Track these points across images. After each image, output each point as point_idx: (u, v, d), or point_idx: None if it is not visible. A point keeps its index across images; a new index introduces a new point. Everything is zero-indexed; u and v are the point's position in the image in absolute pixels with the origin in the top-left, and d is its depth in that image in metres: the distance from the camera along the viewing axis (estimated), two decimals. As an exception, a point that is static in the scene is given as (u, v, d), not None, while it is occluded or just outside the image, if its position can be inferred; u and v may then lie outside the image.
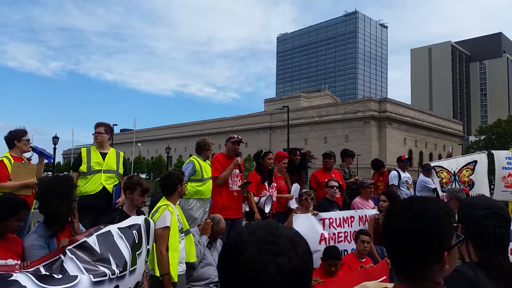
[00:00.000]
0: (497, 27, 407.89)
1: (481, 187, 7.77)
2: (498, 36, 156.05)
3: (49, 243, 2.94)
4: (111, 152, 5.32)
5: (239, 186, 5.78)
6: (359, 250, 5.00)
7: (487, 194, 7.75)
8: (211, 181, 6.02)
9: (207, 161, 6.22)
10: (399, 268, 1.27)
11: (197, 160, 6.06)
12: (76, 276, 2.30)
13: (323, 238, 5.41)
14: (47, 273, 2.28)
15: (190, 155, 6.71)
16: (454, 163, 8.36)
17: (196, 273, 4.51)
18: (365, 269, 4.43)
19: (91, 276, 2.35)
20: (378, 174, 8.46)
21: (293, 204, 6.11)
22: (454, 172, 8.20)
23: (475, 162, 8.11)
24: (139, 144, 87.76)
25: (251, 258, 0.82)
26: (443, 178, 8.34)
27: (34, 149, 5.00)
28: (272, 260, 0.81)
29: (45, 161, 5.19)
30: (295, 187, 6.36)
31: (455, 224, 1.31)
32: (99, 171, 5.09)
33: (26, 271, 2.28)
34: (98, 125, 5.33)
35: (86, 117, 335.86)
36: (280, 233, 0.86)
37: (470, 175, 8.01)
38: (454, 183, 8.17)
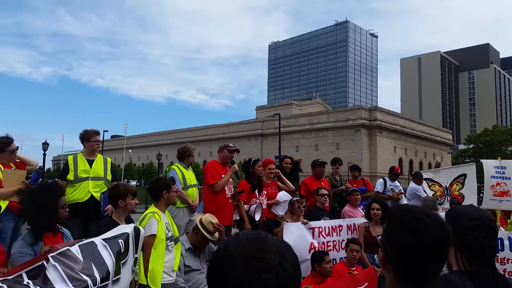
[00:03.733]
0: (484, 38, 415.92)
1: (471, 201, 7.90)
2: (486, 47, 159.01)
3: (36, 250, 2.90)
4: (98, 158, 5.27)
5: (231, 195, 5.75)
6: (348, 258, 5.01)
7: (475, 203, 7.89)
8: (195, 188, 6.04)
9: (190, 168, 6.22)
10: (406, 280, 1.27)
11: (178, 168, 6.03)
12: None
13: (312, 247, 5.40)
14: (28, 287, 2.22)
15: (171, 163, 6.73)
16: (444, 176, 8.51)
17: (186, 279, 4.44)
18: (352, 275, 4.51)
19: None
20: (353, 180, 8.51)
21: (281, 211, 6.09)
22: (446, 186, 8.35)
23: (465, 175, 8.25)
24: (129, 150, 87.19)
25: (238, 273, 0.82)
26: (436, 192, 8.48)
27: (36, 174, 4.94)
28: (259, 276, 0.81)
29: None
30: (282, 194, 6.33)
31: None
32: (86, 178, 5.05)
33: (5, 278, 2.23)
34: (97, 133, 5.34)
35: (77, 123, 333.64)
36: (268, 247, 0.86)
37: (460, 189, 8.17)
38: (446, 197, 8.33)
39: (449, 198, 8.22)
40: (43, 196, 3.06)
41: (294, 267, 0.87)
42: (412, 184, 8.58)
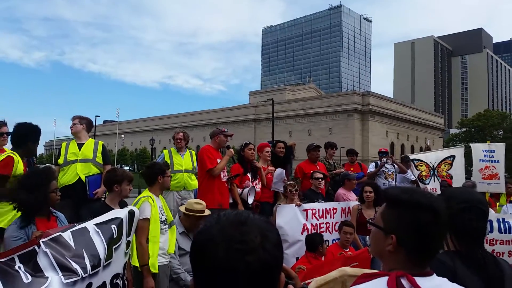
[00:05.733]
0: (478, 22, 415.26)
1: (459, 182, 7.95)
2: (479, 32, 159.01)
3: (29, 234, 2.90)
4: (89, 142, 5.32)
5: (227, 179, 5.77)
6: (342, 240, 5.08)
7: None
8: (185, 174, 6.12)
9: (186, 154, 6.31)
10: (421, 260, 1.30)
11: (169, 152, 6.24)
12: (46, 279, 2.25)
13: (305, 228, 5.48)
14: (18, 273, 2.20)
15: (164, 148, 6.83)
16: (432, 157, 8.54)
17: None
18: (344, 256, 4.56)
19: (62, 277, 2.29)
20: (350, 163, 8.56)
21: (280, 187, 6.11)
22: (433, 166, 8.37)
23: (453, 157, 8.29)
24: (122, 135, 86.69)
25: (220, 258, 0.83)
26: (422, 171, 8.51)
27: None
28: (241, 260, 0.82)
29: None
30: (279, 171, 6.33)
31: None
32: (74, 161, 5.07)
33: None
34: (73, 118, 5.44)
35: (69, 108, 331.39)
36: (249, 229, 0.86)
37: (449, 169, 8.19)
38: (433, 177, 8.35)
39: (435, 179, 8.28)
40: (33, 181, 3.04)
41: (276, 247, 0.88)
42: None
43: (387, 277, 1.24)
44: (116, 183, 3.75)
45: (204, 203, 4.63)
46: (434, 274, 1.29)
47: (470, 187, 6.66)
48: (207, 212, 4.53)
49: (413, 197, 1.33)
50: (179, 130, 6.50)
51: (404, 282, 1.22)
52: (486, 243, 4.75)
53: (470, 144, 8.92)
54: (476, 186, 7.37)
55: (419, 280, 1.23)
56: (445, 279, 1.30)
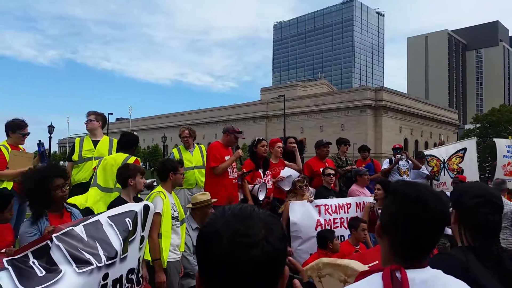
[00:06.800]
0: (493, 15, 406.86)
1: (470, 174, 7.77)
2: (495, 25, 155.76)
3: (42, 230, 2.93)
4: (104, 139, 5.34)
5: (239, 176, 5.76)
6: (357, 237, 5.02)
7: (477, 179, 7.78)
8: (196, 170, 6.09)
9: (195, 150, 6.29)
10: (405, 251, 1.31)
11: (178, 150, 6.23)
12: (60, 272, 2.28)
13: (319, 224, 5.45)
14: (32, 268, 2.25)
15: (176, 145, 6.86)
16: (444, 151, 8.40)
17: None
18: (360, 253, 4.51)
19: (76, 269, 2.32)
20: (362, 160, 8.48)
21: (286, 186, 6.10)
22: (444, 160, 8.23)
23: (465, 149, 8.12)
24: (134, 133, 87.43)
25: (224, 251, 0.84)
26: (433, 167, 8.39)
27: (39, 146, 4.92)
28: (245, 253, 0.83)
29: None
30: (286, 170, 6.30)
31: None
32: (90, 158, 5.10)
33: (13, 258, 2.27)
34: (89, 113, 5.41)
35: (83, 106, 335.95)
36: (253, 222, 0.87)
37: (460, 162, 8.03)
38: (443, 170, 8.22)
39: (445, 172, 8.14)
40: (37, 177, 3.07)
41: (280, 240, 0.88)
42: None
43: (381, 273, 1.26)
44: (130, 177, 3.82)
45: (208, 193, 4.70)
46: (428, 267, 1.29)
47: (500, 183, 6.52)
48: (214, 200, 4.61)
49: (403, 188, 1.36)
50: (184, 128, 6.43)
51: (398, 275, 1.23)
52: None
53: (494, 139, 8.74)
54: (506, 183, 7.18)
55: (410, 272, 1.23)
56: (440, 271, 1.29)
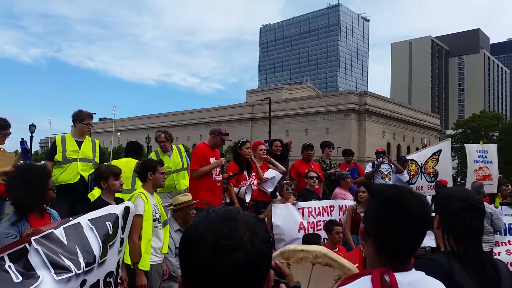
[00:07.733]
0: (475, 23, 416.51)
1: (445, 175, 7.84)
2: (476, 33, 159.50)
3: (21, 232, 2.85)
4: (87, 140, 5.23)
5: (224, 179, 5.71)
6: (332, 241, 5.04)
7: (450, 180, 7.86)
8: (173, 174, 5.85)
9: (174, 152, 6.06)
10: (390, 254, 1.32)
11: (156, 153, 6.03)
12: (37, 279, 2.18)
13: (302, 226, 5.46)
14: (8, 272, 2.15)
15: (152, 150, 6.83)
16: (422, 155, 8.52)
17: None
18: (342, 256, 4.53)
19: (54, 275, 2.23)
20: (346, 163, 8.54)
21: (269, 188, 6.08)
22: (421, 164, 8.35)
23: (440, 151, 8.23)
24: (118, 133, 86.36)
25: (207, 254, 0.82)
26: (411, 171, 8.50)
27: (22, 143, 4.79)
28: (228, 256, 0.81)
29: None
30: (269, 172, 6.30)
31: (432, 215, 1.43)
32: (75, 159, 4.99)
33: None
34: (90, 116, 5.31)
35: (65, 105, 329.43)
36: (237, 225, 0.86)
37: (435, 165, 8.13)
38: (420, 175, 8.33)
39: (422, 176, 8.25)
40: (33, 178, 2.99)
41: (265, 243, 0.87)
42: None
43: (370, 276, 1.27)
44: (102, 179, 3.76)
45: (190, 195, 4.64)
46: (413, 269, 1.31)
47: (478, 187, 6.63)
48: (195, 201, 4.59)
49: (385, 191, 1.36)
50: (160, 132, 6.10)
51: (386, 278, 1.24)
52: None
53: (465, 145, 8.91)
54: (484, 187, 7.27)
55: (397, 275, 1.25)
56: (423, 273, 1.30)
